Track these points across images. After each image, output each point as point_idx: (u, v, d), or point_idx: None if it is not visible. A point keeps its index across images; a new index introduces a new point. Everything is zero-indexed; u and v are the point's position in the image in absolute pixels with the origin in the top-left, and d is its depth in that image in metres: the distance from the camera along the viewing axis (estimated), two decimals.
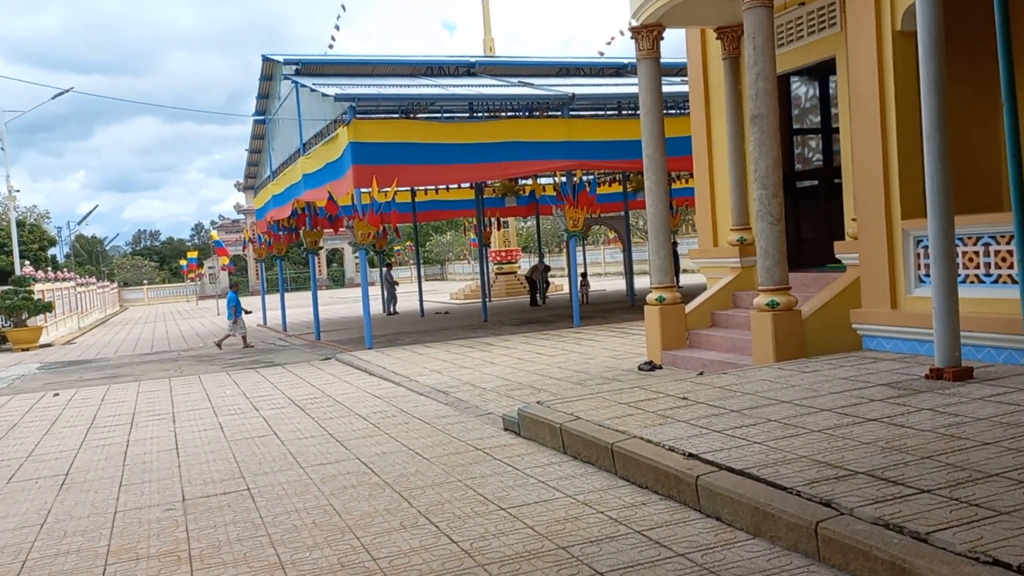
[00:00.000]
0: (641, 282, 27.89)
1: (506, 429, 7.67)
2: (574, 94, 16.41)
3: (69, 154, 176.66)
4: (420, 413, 8.90)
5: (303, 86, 17.90)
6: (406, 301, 35.46)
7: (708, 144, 11.66)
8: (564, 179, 16.48)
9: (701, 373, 9.16)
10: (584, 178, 16.12)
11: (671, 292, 10.63)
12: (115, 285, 69.46)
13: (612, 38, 63.97)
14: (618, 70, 22.13)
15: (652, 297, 10.68)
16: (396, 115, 17.84)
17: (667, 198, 10.69)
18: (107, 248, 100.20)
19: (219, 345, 20.29)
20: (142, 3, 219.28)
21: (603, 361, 11.49)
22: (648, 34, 10.41)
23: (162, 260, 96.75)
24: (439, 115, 17.25)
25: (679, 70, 19.08)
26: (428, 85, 18.51)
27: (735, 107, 10.94)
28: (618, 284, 31.44)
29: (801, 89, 11.58)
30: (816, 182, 12.06)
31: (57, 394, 13.22)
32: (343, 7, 23.52)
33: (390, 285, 27.78)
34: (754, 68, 8.59)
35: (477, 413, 8.55)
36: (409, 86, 18.20)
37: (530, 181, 27.76)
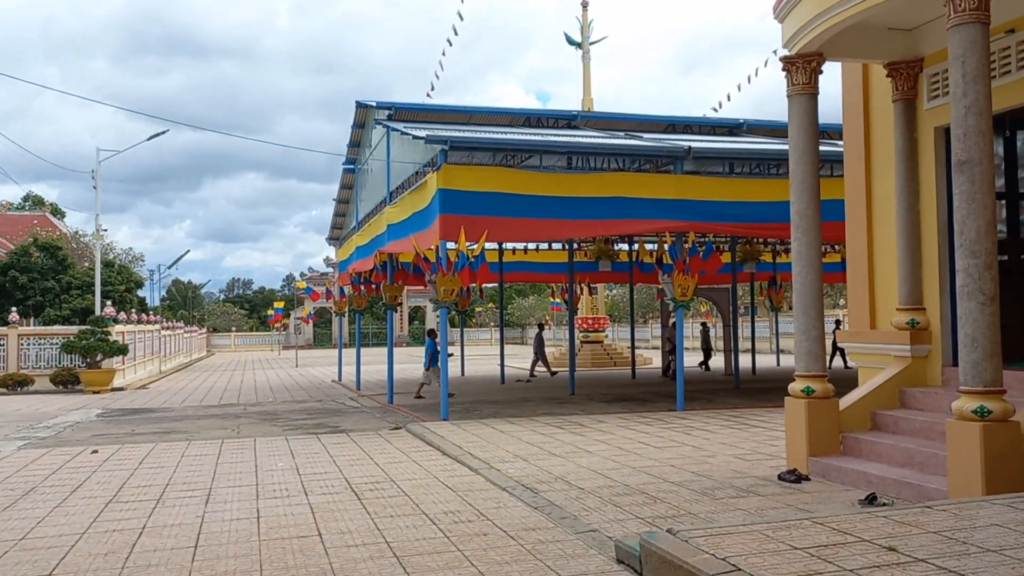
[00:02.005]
0: (745, 361, 25.46)
1: (620, 561, 5.67)
2: (690, 147, 14.55)
3: (178, 204, 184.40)
4: (503, 520, 6.96)
5: (394, 130, 16.62)
6: (485, 365, 33.75)
7: (867, 205, 9.59)
8: (673, 241, 14.55)
9: (873, 497, 6.97)
10: (697, 242, 14.14)
11: (822, 383, 8.50)
12: (204, 330, 70.18)
13: (720, 103, 62.25)
14: (732, 129, 20.24)
15: (797, 388, 8.56)
16: (490, 164, 16.34)
17: (820, 265, 8.64)
18: (201, 294, 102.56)
19: (418, 395, 18.80)
20: (257, 67, 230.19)
21: (727, 462, 9.35)
22: (805, 65, 8.53)
23: (252, 308, 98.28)
24: (537, 167, 15.63)
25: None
26: (527, 134, 16.99)
27: (908, 159, 8.89)
28: (711, 362, 28.98)
29: None
30: (1006, 257, 9.81)
31: (96, 451, 11.81)
32: (449, 42, 22.41)
33: (540, 346, 26.21)
34: (962, 101, 6.59)
35: (576, 529, 6.56)
36: (507, 134, 16.71)
37: (626, 246, 25.93)
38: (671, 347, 24.38)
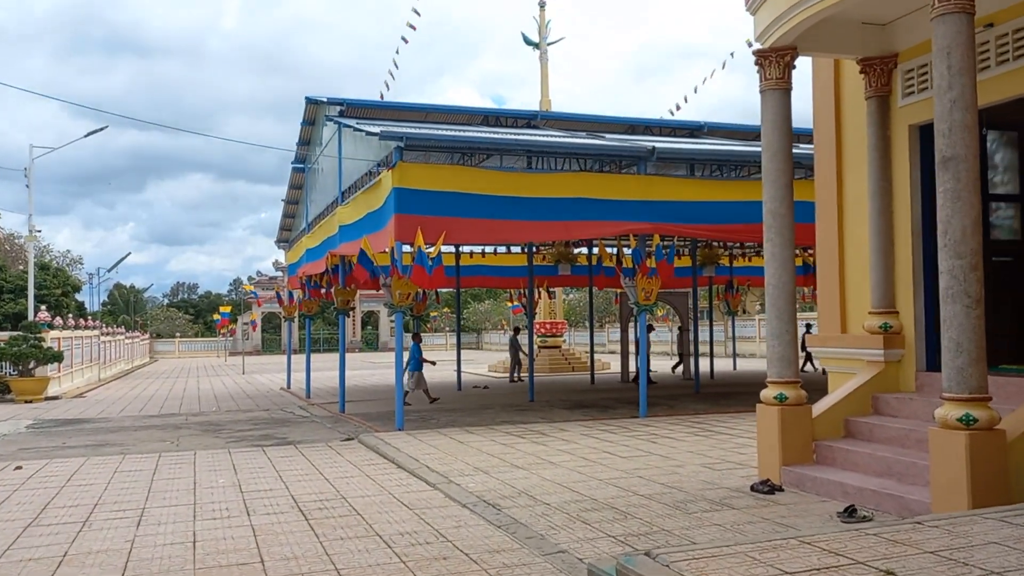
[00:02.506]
0: (703, 365, 25.25)
1: None
2: (654, 147, 14.19)
3: (121, 206, 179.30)
4: (464, 541, 6.44)
5: (346, 126, 16.00)
6: (440, 371, 33.12)
7: (839, 206, 9.30)
8: (636, 244, 14.17)
9: (852, 509, 6.61)
10: (662, 245, 13.77)
11: (795, 389, 8.15)
12: (147, 336, 68.16)
13: (677, 105, 62.34)
14: (693, 131, 20.02)
15: (769, 394, 8.20)
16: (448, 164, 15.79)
17: (794, 267, 8.30)
18: (144, 298, 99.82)
19: (430, 400, 18.32)
20: (203, 67, 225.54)
21: (696, 472, 8.95)
22: (779, 60, 8.19)
23: (198, 313, 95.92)
24: (497, 167, 15.13)
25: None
26: (486, 133, 16.50)
27: (881, 158, 8.61)
28: (663, 365, 28.78)
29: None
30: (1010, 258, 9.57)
31: (20, 467, 10.97)
32: (404, 39, 21.69)
33: (515, 350, 26.24)
34: (947, 94, 6.27)
35: (544, 550, 6.07)
36: (465, 132, 16.20)
37: (585, 249, 25.59)
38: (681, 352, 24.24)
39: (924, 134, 8.40)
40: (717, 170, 15.82)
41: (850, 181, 9.21)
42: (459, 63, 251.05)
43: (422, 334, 28.16)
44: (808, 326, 29.72)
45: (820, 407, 8.38)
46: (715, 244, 24.46)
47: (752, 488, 7.83)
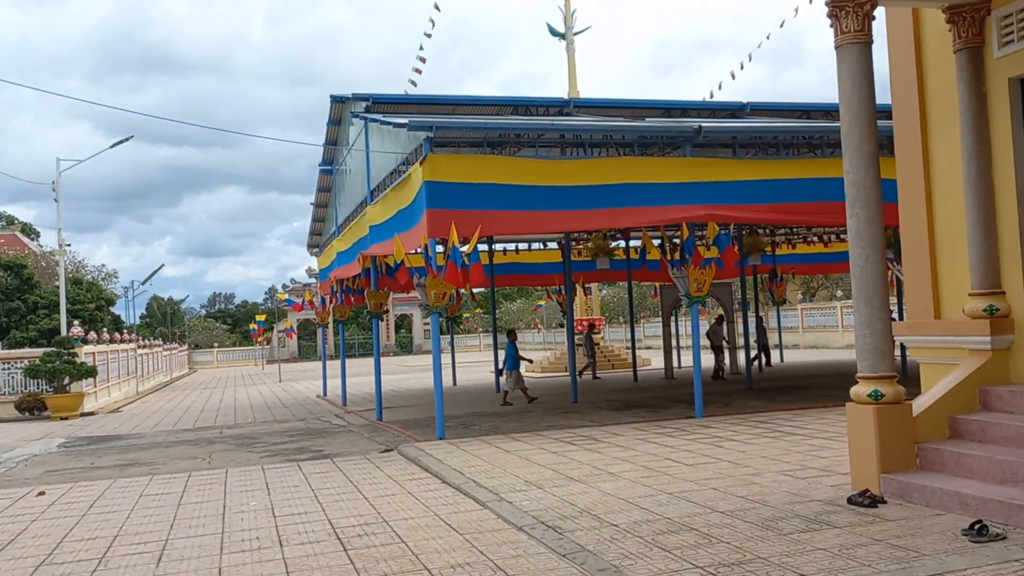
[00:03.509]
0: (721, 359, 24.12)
1: None
2: (700, 126, 13.20)
3: (157, 220, 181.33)
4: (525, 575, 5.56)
5: (372, 120, 15.21)
6: (476, 373, 32.31)
7: (926, 177, 8.27)
8: (682, 236, 13.18)
9: (981, 527, 5.62)
10: (723, 232, 12.75)
11: (892, 385, 7.15)
12: (185, 347, 68.32)
13: (720, 84, 60.42)
14: (734, 112, 18.91)
15: (862, 392, 7.20)
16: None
17: (884, 245, 7.30)
18: (182, 310, 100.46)
19: (528, 400, 17.77)
20: (234, 81, 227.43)
21: (776, 481, 7.98)
22: (857, 9, 7.20)
23: (235, 323, 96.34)
24: (532, 156, 14.22)
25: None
26: (519, 120, 15.61)
27: (976, 118, 7.58)
28: (690, 360, 27.65)
29: None
30: None
31: (43, 492, 10.30)
32: (427, 35, 20.83)
33: (591, 345, 26.63)
34: None
35: None
36: (496, 120, 15.34)
37: (623, 242, 24.59)
38: (716, 345, 23.16)
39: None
40: (772, 150, 14.76)
41: (938, 147, 8.18)
42: (481, 65, 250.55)
43: (458, 334, 27.52)
44: (759, 318, 28.47)
45: (920, 404, 7.38)
46: (760, 231, 23.34)
47: (850, 501, 6.85)
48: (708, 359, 24.53)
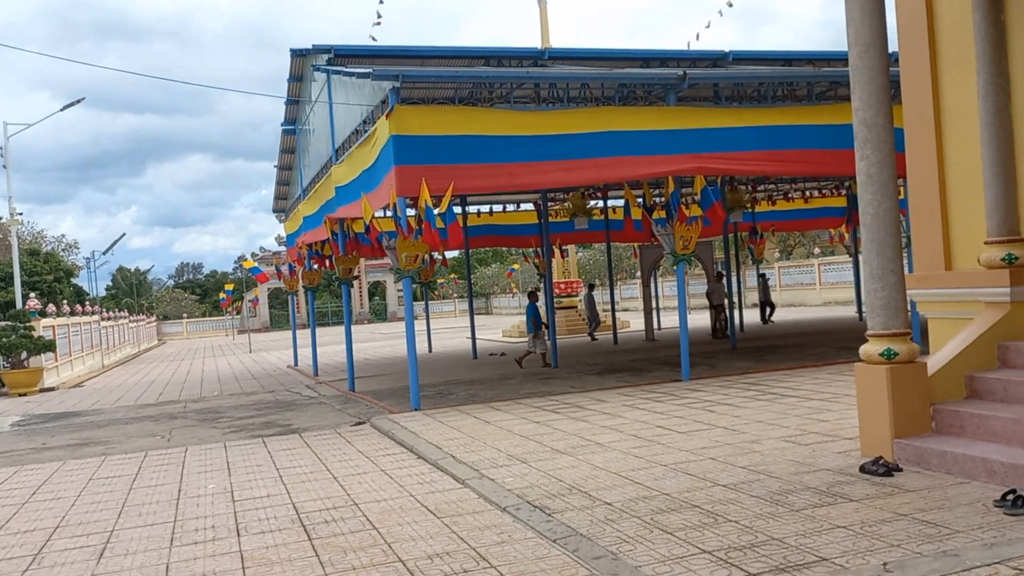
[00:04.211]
0: (700, 320, 23.65)
1: None
2: (685, 72, 12.46)
3: (122, 191, 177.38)
4: (512, 567, 4.92)
5: (335, 72, 14.29)
6: (452, 339, 31.66)
7: (936, 119, 7.62)
8: (666, 191, 12.49)
9: (1016, 496, 5.05)
10: (708, 187, 12.07)
11: (906, 343, 6.55)
12: (153, 319, 66.96)
13: (697, 34, 59.12)
14: (715, 61, 18.11)
15: (873, 351, 6.60)
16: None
17: (896, 191, 6.66)
18: (149, 281, 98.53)
19: (520, 363, 17.60)
20: (194, 47, 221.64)
21: (778, 449, 7.40)
22: None
23: (204, 293, 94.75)
24: (508, 107, 13.38)
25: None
26: (492, 69, 14.76)
27: (994, 50, 6.92)
28: (698, 320, 27.20)
29: None
30: None
31: None
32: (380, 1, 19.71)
33: (592, 306, 26.59)
34: None
35: None
36: (468, 70, 14.48)
37: (600, 203, 23.90)
38: (716, 304, 22.75)
39: None
40: (756, 102, 14.06)
41: (949, 85, 7.52)
42: (449, 25, 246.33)
43: (429, 302, 26.79)
44: (763, 275, 28.52)
45: (935, 363, 6.80)
46: (742, 186, 22.71)
47: (862, 469, 6.27)
48: (702, 318, 24.17)
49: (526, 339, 17.93)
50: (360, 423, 11.57)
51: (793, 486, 6.07)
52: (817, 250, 47.87)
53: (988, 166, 7.00)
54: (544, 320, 18.24)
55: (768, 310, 27.23)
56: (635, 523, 5.49)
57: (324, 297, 72.06)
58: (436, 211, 11.36)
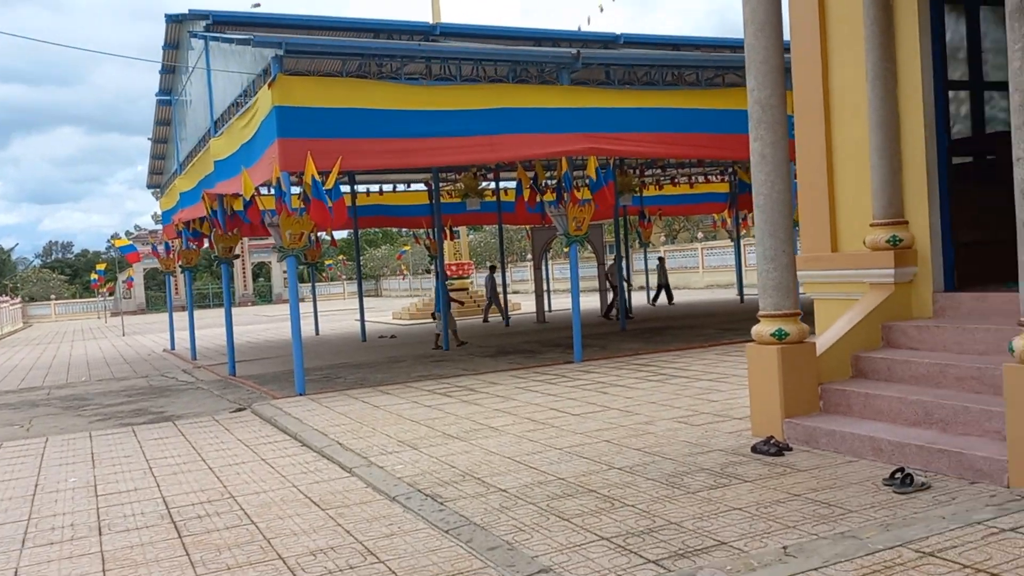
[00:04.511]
0: (590, 302, 23.90)
1: None
2: (579, 51, 12.32)
3: None
4: (402, 560, 4.63)
5: (214, 39, 13.46)
6: (340, 322, 30.85)
7: (825, 100, 7.71)
8: (558, 171, 12.36)
9: (906, 476, 5.13)
10: (600, 168, 12.00)
11: (796, 324, 6.61)
12: (18, 300, 62.61)
13: (589, 19, 59.32)
14: (607, 43, 18.13)
15: (765, 331, 6.63)
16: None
17: (788, 171, 6.68)
18: (12, 260, 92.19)
19: (449, 341, 16.97)
20: (70, 18, 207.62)
21: (672, 430, 7.37)
22: None
23: (75, 274, 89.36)
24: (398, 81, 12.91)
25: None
26: (383, 44, 14.22)
27: (883, 33, 7.03)
28: (592, 302, 27.44)
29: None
30: (971, 159, 8.32)
31: None
32: None
33: (493, 290, 25.30)
34: None
35: (519, 569, 4.33)
36: (358, 41, 13.91)
37: (492, 184, 23.68)
38: (615, 284, 22.80)
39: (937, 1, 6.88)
40: (649, 85, 14.09)
41: (838, 68, 7.62)
42: (333, 6, 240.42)
43: (316, 283, 25.99)
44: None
45: (823, 343, 6.89)
46: (631, 171, 22.98)
47: (754, 449, 6.29)
48: (592, 300, 24.41)
49: (433, 320, 17.64)
50: (240, 409, 10.98)
51: (688, 467, 6.02)
52: (701, 235, 49.31)
53: (875, 149, 7.13)
54: (458, 300, 18.10)
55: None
56: (531, 510, 5.29)
57: (205, 278, 69.16)
58: (324, 187, 10.84)
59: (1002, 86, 8.25)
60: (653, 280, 29.17)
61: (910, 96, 6.97)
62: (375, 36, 16.81)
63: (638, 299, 28.76)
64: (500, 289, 24.81)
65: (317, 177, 10.43)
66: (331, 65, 14.10)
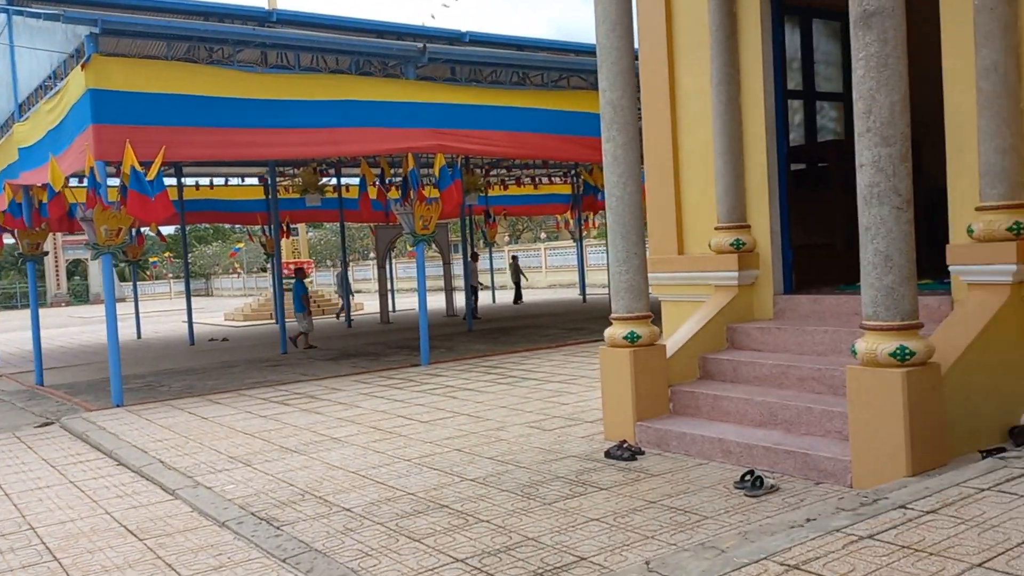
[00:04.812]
0: (436, 302, 23.75)
1: None
2: (425, 45, 11.96)
3: None
4: None
5: (17, 13, 12.07)
6: (166, 324, 28.90)
7: (671, 105, 7.76)
8: (405, 168, 11.97)
9: (755, 478, 5.14)
10: (447, 166, 11.70)
11: (647, 327, 6.57)
12: None
13: (432, 15, 58.93)
14: (452, 40, 17.89)
15: (617, 334, 6.55)
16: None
17: (639, 174, 6.64)
18: None
19: (295, 343, 16.15)
20: None
21: (524, 436, 7.17)
22: None
23: None
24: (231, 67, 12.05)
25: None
26: (214, 27, 13.27)
27: (727, 39, 7.14)
28: (438, 301, 27.11)
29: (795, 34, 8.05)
30: (804, 166, 8.68)
31: None
32: None
33: (346, 287, 23.98)
34: None
35: None
36: (185, 22, 12.90)
37: (334, 180, 22.87)
38: (473, 284, 22.56)
39: (777, 6, 7.06)
40: (495, 84, 13.94)
41: (684, 74, 7.70)
42: None
43: (140, 282, 24.07)
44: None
45: (671, 345, 6.91)
46: (477, 170, 22.86)
47: (608, 454, 6.18)
48: (438, 300, 24.08)
49: (295, 319, 16.71)
50: (47, 424, 9.85)
51: (543, 476, 5.82)
52: (543, 235, 50.14)
53: (719, 154, 7.24)
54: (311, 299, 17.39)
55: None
56: (378, 531, 4.90)
57: (11, 276, 63.28)
58: (146, 178, 9.90)
59: (832, 96, 8.71)
60: (505, 279, 29.62)
61: (752, 103, 7.12)
62: (205, 19, 15.71)
63: (484, 298, 28.77)
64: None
65: (138, 167, 9.50)
66: (157, 48, 13.02)
